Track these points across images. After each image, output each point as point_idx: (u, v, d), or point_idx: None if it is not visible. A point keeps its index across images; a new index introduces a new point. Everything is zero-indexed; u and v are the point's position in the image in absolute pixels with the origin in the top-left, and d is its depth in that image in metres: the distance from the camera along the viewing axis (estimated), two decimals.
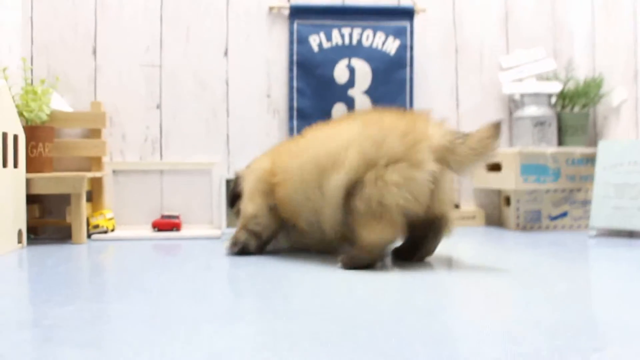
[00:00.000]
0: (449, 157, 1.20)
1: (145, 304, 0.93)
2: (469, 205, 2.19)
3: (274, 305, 0.91)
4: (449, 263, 1.33)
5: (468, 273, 1.21)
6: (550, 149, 1.95)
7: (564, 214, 1.97)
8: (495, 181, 2.03)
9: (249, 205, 1.47)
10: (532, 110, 2.07)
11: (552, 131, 2.06)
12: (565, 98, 2.12)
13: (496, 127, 1.20)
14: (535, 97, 2.08)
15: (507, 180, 1.95)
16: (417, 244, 1.33)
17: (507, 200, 2.06)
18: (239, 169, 1.75)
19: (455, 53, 2.19)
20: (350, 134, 1.27)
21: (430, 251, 1.34)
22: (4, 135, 1.54)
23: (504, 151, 1.99)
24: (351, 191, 1.23)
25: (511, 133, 2.19)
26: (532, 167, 1.92)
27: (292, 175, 1.36)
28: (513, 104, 2.18)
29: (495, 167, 2.05)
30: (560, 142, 2.12)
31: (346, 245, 1.29)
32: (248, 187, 1.49)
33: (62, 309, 0.89)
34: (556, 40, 2.23)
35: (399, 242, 1.36)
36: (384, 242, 1.22)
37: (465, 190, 2.19)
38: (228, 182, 1.99)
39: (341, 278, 1.14)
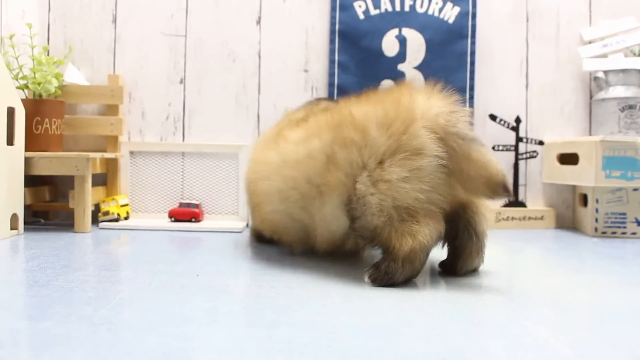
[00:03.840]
0: (448, 143, 0.94)
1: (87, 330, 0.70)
2: (536, 204, 1.86)
3: None
4: (505, 277, 1.04)
5: (528, 294, 0.92)
6: None
7: None
8: (570, 176, 1.70)
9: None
10: (618, 91, 1.71)
11: None
12: None
13: (501, 187, 0.93)
14: (624, 75, 1.72)
15: (585, 176, 1.61)
16: (456, 251, 1.06)
17: (584, 199, 1.72)
18: None
19: (526, 22, 1.85)
20: (320, 145, 1.04)
21: (472, 258, 1.05)
22: None
23: (581, 140, 1.64)
24: (352, 213, 0.99)
25: (591, 119, 1.84)
26: (617, 160, 1.57)
27: (271, 199, 1.15)
28: (595, 83, 1.82)
29: (571, 159, 1.71)
30: None
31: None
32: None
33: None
34: None
35: (443, 253, 1.10)
36: (424, 246, 0.93)
37: (532, 185, 1.86)
38: None
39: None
